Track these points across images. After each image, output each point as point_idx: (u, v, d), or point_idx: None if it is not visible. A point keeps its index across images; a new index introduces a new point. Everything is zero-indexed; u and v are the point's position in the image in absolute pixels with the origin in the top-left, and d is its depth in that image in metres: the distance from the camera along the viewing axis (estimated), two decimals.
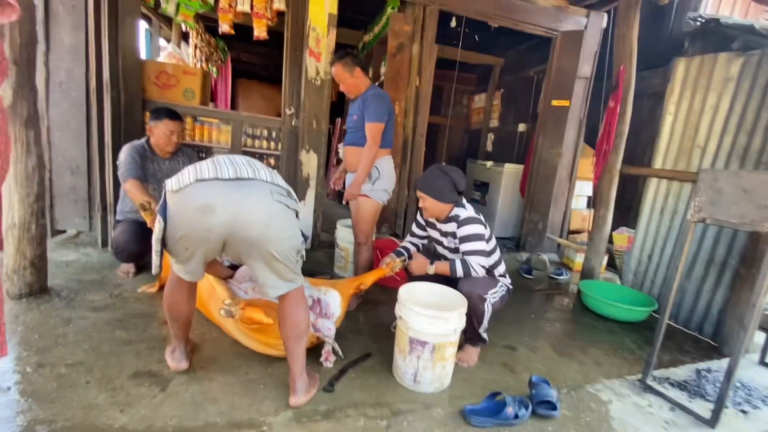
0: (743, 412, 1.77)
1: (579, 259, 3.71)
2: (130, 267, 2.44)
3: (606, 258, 3.58)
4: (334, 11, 2.99)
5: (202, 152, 3.09)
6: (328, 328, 1.77)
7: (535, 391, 1.58)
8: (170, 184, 1.29)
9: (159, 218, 1.30)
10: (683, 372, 2.04)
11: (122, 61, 2.65)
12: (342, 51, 2.33)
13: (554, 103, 3.70)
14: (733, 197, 1.49)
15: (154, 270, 1.40)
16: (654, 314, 2.76)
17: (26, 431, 1.24)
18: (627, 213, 4.11)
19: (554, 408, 1.52)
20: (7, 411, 1.31)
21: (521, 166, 4.25)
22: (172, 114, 2.40)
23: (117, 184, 2.57)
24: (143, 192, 2.17)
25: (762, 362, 2.23)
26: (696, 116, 2.69)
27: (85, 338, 1.76)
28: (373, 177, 2.39)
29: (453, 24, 4.17)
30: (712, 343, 2.47)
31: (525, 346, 2.21)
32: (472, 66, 5.66)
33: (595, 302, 2.78)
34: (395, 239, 3.32)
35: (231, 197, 1.27)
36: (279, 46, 3.25)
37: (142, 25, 4.78)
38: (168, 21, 4.73)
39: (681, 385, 1.89)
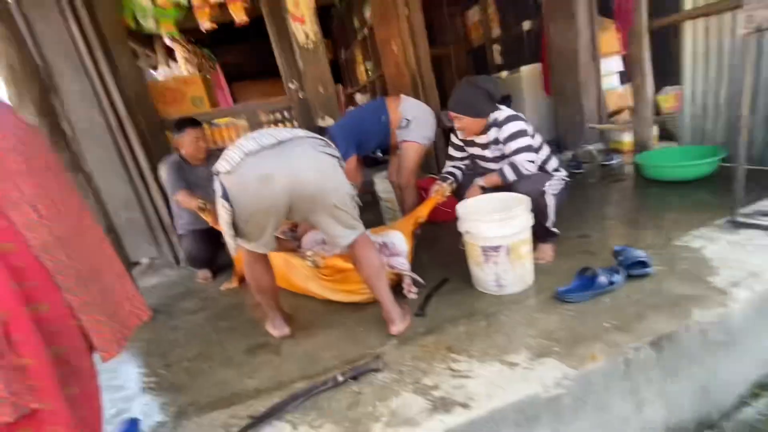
0: None
1: (628, 139, 3.51)
2: (206, 273, 2.61)
3: (656, 130, 3.36)
4: None
5: None
6: (402, 263, 1.83)
7: (621, 257, 1.56)
8: (221, 167, 1.33)
9: (223, 203, 1.34)
10: None
11: (129, 90, 2.73)
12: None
13: None
14: None
15: (233, 252, 1.48)
16: (725, 163, 2.58)
17: (180, 413, 1.40)
18: (664, 77, 3.78)
19: (647, 265, 1.50)
20: (159, 401, 1.49)
21: (538, 65, 4.01)
22: (192, 122, 2.47)
23: (168, 203, 2.72)
24: (194, 198, 2.28)
25: None
26: None
27: (194, 336, 1.94)
28: (403, 125, 2.42)
29: None
30: None
31: (596, 230, 2.17)
32: None
33: (657, 170, 2.64)
34: (435, 177, 3.30)
35: (283, 161, 1.31)
36: (260, 35, 3.21)
37: None
38: (151, 46, 4.78)
39: None
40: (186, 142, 2.44)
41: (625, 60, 3.76)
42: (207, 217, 2.18)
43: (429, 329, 1.54)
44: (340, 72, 6.38)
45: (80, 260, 0.96)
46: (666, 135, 3.56)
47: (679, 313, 1.29)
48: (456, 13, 5.61)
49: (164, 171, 2.44)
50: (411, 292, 1.82)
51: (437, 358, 1.34)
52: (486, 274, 1.69)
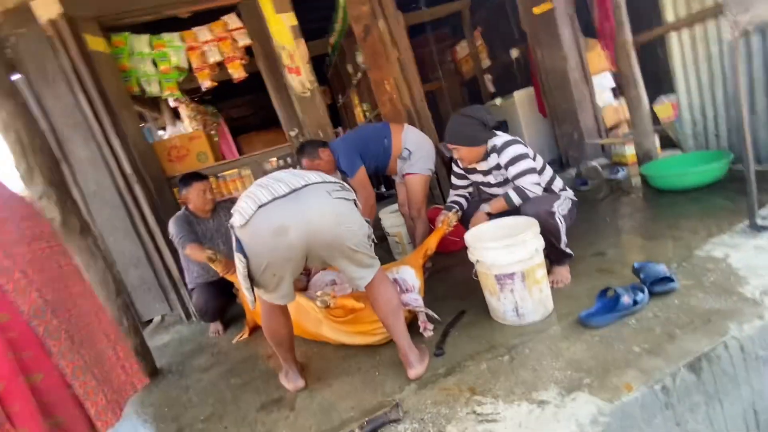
0: None
1: (630, 151, 3.48)
2: (217, 326, 2.57)
3: (657, 139, 3.34)
4: (294, 22, 3.03)
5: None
6: (415, 299, 1.77)
7: (643, 274, 1.48)
8: (235, 220, 1.32)
9: (239, 256, 1.32)
10: None
11: (135, 151, 2.82)
12: (298, 147, 2.44)
13: (536, 11, 3.53)
14: None
15: (252, 305, 1.44)
16: (733, 166, 2.52)
17: None
18: (657, 87, 3.82)
19: (671, 280, 1.42)
20: None
21: (530, 89, 4.08)
22: (198, 176, 2.52)
23: (177, 259, 2.73)
24: (203, 250, 2.28)
25: None
26: None
27: (206, 395, 1.87)
28: (405, 156, 2.45)
29: None
30: None
31: (612, 247, 2.10)
32: (441, 21, 5.53)
33: (665, 180, 2.60)
34: (440, 207, 3.29)
35: (297, 210, 1.29)
36: (260, 88, 3.34)
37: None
38: (157, 108, 5.01)
39: None
40: (193, 196, 2.48)
41: (616, 76, 3.81)
42: (217, 267, 2.16)
43: (449, 369, 1.46)
44: (339, 114, 6.59)
45: (72, 325, 0.95)
46: (667, 143, 3.54)
47: (712, 329, 1.21)
48: (445, 49, 5.82)
49: (173, 225, 2.46)
50: (427, 330, 1.74)
51: (460, 402, 1.25)
52: (503, 304, 1.63)
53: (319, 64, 5.71)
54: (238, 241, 1.32)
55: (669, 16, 2.71)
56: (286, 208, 1.29)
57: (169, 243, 2.69)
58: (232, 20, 3.15)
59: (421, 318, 1.75)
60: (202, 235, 2.53)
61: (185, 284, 2.70)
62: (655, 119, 3.36)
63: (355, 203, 1.46)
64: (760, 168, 2.43)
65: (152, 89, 3.04)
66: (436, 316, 1.75)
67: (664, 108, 3.26)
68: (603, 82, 3.99)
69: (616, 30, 2.88)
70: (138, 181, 2.77)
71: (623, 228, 2.34)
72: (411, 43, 3.55)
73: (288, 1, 3.05)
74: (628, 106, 3.13)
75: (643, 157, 3.07)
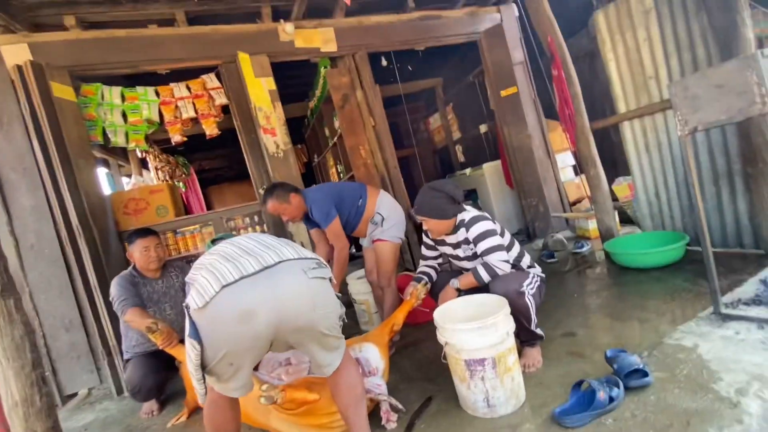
0: None
1: (592, 226, 3.62)
2: (152, 405, 2.24)
3: (617, 215, 3.51)
4: (273, 87, 3.10)
5: (190, 262, 3.00)
6: (378, 385, 1.61)
7: (616, 365, 1.42)
8: (192, 301, 1.14)
9: (192, 343, 1.13)
10: (750, 288, 1.90)
11: (87, 202, 2.62)
12: (268, 187, 2.39)
13: (503, 93, 3.81)
14: (710, 97, 1.47)
15: (201, 399, 1.24)
16: (689, 247, 2.64)
17: None
18: (614, 168, 4.11)
19: (645, 374, 1.36)
20: None
21: (498, 162, 4.27)
22: (143, 232, 2.34)
23: (116, 325, 2.44)
24: (145, 316, 2.05)
25: None
26: (635, 53, 2.78)
27: None
28: (377, 221, 2.40)
29: (384, 63, 4.38)
30: (759, 251, 2.35)
31: (582, 327, 2.06)
32: (417, 94, 5.89)
33: (627, 257, 2.66)
34: (410, 273, 3.20)
35: (268, 292, 1.14)
36: (235, 143, 3.33)
37: (102, 171, 4.89)
38: (125, 157, 4.85)
39: (755, 300, 1.75)
40: (136, 254, 2.28)
41: (576, 155, 4.08)
42: (156, 339, 1.92)
43: None
44: (314, 173, 6.64)
45: None
46: (626, 218, 3.71)
47: None
48: (419, 119, 6.15)
49: (114, 286, 2.21)
50: (390, 422, 1.56)
51: None
52: (473, 393, 1.50)
53: (297, 124, 5.84)
54: (192, 324, 1.13)
55: (621, 107, 2.97)
56: (256, 290, 1.13)
57: (110, 305, 2.42)
58: (211, 79, 3.18)
59: (384, 407, 1.58)
60: (147, 297, 2.29)
61: (121, 353, 2.39)
62: (614, 197, 3.55)
63: (331, 280, 1.33)
64: (714, 250, 2.55)
65: (118, 139, 2.94)
66: (400, 405, 1.59)
67: (621, 188, 3.46)
68: (565, 160, 4.26)
69: (575, 116, 3.11)
70: (84, 235, 2.54)
71: (591, 306, 2.32)
72: (387, 112, 3.70)
73: (268, 67, 3.14)
74: (588, 184, 3.30)
75: (605, 233, 3.17)
